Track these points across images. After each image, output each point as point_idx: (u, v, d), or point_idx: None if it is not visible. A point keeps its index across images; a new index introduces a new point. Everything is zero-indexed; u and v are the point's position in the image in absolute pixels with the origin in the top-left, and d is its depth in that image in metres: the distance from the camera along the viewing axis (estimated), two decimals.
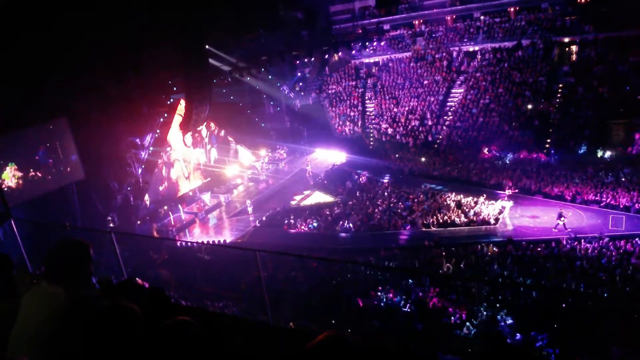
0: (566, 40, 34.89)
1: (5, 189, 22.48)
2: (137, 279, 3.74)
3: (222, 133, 38.29)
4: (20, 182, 23.27)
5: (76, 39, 21.07)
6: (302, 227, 27.58)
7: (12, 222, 6.96)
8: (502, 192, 27.39)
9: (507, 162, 30.22)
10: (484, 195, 27.24)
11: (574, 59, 34.16)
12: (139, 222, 28.39)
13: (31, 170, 23.83)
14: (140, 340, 2.49)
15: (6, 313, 3.02)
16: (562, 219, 22.76)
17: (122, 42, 24.17)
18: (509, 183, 27.63)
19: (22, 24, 19.24)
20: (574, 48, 34.51)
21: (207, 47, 28.57)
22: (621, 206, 24.02)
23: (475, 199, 26.95)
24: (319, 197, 32.07)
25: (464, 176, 30.18)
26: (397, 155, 34.86)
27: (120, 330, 2.45)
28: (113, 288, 3.78)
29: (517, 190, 27.20)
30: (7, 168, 22.96)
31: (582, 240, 21.36)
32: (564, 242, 21.39)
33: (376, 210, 27.61)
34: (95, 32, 21.60)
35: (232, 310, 18.26)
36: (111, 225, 25.88)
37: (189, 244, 26.18)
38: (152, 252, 24.65)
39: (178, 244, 26.20)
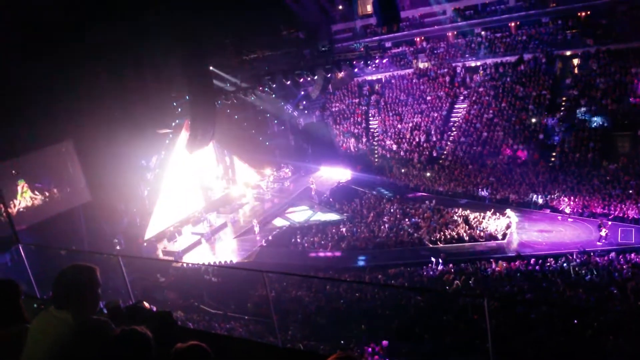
0: (568, 53, 35.04)
1: (22, 209, 22.73)
2: (144, 302, 3.72)
3: (226, 153, 38.40)
4: (29, 205, 23.43)
5: (83, 63, 21.48)
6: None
7: (20, 247, 6.98)
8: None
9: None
10: (491, 209, 27.03)
11: (576, 71, 34.25)
12: (145, 243, 28.36)
13: (39, 193, 24.00)
14: None
15: (15, 339, 3.01)
16: (604, 229, 22.52)
17: (128, 65, 24.56)
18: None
19: (31, 47, 19.64)
20: (575, 61, 34.63)
21: (210, 68, 28.88)
22: (630, 218, 23.84)
23: (482, 214, 26.77)
24: (325, 216, 32.00)
25: (469, 191, 30.10)
26: (402, 171, 34.86)
27: (133, 356, 2.43)
28: (121, 312, 3.77)
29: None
30: (19, 188, 23.17)
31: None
32: (574, 256, 21.17)
33: (382, 227, 27.48)
34: (101, 57, 22.00)
35: (240, 332, 18.10)
36: (117, 247, 25.86)
37: (196, 265, 26.03)
38: (160, 275, 24.56)
39: (185, 265, 26.10)
